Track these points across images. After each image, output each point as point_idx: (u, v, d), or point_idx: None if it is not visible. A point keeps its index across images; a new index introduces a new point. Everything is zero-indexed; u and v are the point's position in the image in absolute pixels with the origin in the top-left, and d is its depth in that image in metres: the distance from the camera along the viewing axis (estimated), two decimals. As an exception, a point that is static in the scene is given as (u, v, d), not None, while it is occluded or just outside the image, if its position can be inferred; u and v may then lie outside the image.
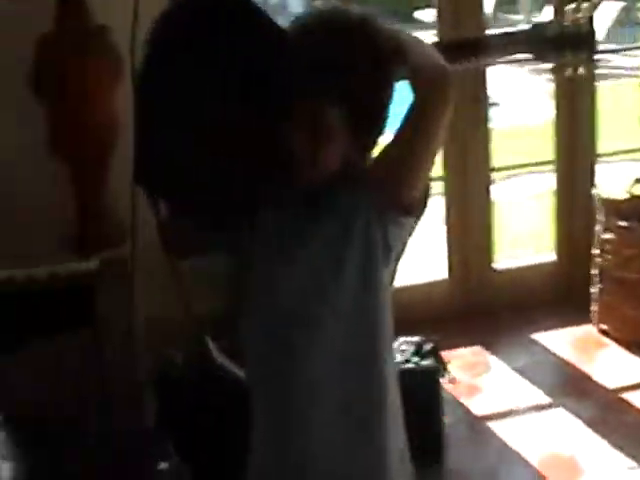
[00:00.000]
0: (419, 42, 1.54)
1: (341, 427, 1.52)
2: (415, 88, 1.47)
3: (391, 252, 1.52)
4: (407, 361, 3.05)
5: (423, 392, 2.99)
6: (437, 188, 3.89)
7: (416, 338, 3.15)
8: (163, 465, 2.32)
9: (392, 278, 1.58)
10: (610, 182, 4.03)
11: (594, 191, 4.00)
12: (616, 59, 8.18)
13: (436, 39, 3.78)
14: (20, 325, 2.89)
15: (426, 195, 1.53)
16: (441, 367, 3.14)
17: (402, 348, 3.09)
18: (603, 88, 5.08)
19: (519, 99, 9.08)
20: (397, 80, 1.53)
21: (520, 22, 11.54)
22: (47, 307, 2.90)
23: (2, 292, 2.92)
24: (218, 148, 1.51)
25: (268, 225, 1.56)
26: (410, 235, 1.56)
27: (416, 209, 1.51)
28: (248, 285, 1.60)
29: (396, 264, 1.57)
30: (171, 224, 1.63)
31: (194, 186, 1.53)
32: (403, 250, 1.56)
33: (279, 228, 1.56)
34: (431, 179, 1.57)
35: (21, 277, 2.92)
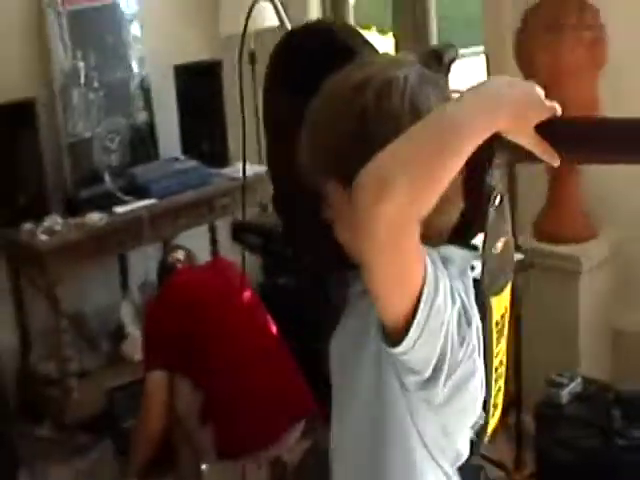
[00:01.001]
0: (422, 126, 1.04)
1: None
2: None
3: (402, 382, 1.17)
4: None
5: None
6: None
7: None
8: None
9: (436, 396, 1.16)
10: None
11: None
12: None
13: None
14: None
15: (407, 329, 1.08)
16: None
17: None
18: None
19: None
20: None
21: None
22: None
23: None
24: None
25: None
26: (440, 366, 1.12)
27: (396, 340, 1.09)
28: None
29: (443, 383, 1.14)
30: None
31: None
32: (449, 372, 1.13)
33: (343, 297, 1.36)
34: (416, 312, 1.06)
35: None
